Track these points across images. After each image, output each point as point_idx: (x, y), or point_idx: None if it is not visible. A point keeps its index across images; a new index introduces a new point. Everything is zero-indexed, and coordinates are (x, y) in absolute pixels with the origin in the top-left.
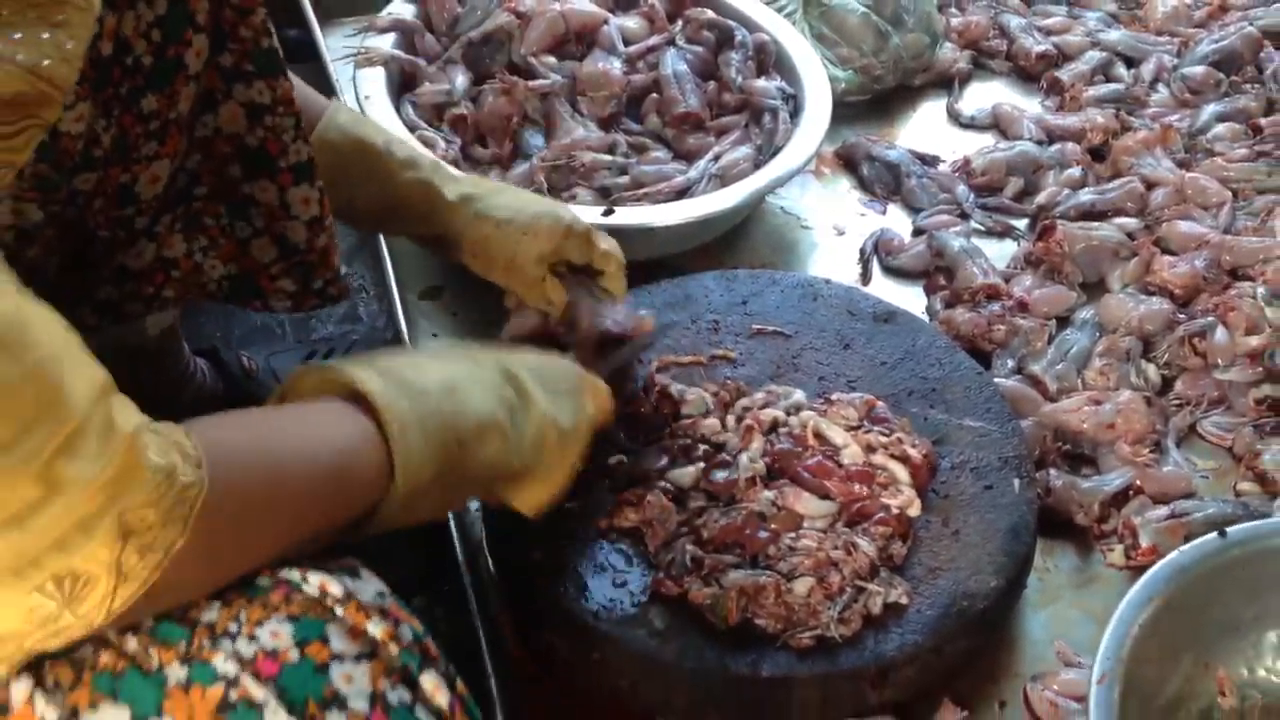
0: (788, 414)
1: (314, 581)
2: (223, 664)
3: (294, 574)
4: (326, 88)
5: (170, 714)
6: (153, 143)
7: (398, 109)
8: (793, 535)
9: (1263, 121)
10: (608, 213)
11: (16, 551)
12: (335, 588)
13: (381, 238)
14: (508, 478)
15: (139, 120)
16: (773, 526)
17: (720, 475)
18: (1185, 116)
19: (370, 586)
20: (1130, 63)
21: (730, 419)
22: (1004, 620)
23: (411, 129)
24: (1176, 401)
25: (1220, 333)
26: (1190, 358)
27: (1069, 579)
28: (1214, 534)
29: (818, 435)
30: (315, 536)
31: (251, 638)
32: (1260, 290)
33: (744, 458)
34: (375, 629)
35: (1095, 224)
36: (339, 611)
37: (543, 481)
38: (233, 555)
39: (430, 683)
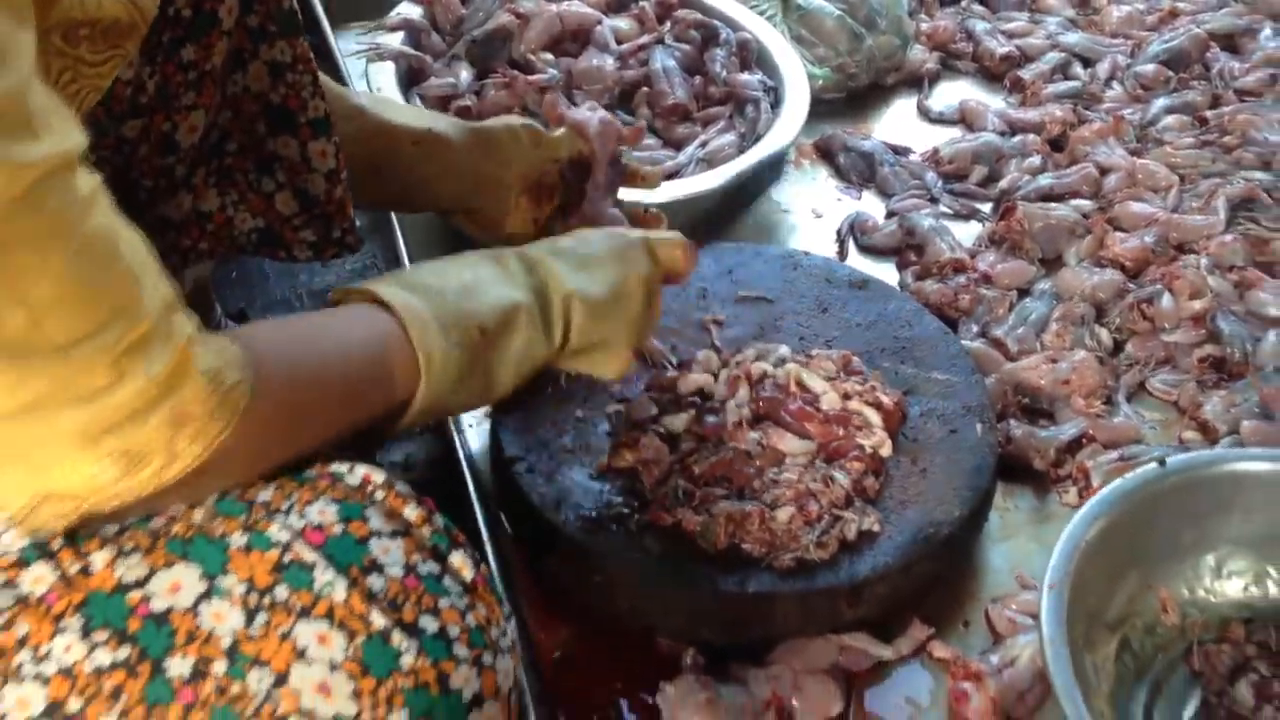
0: (774, 366)
1: (358, 472)
2: (277, 533)
3: (340, 466)
4: (340, 84)
5: (234, 572)
6: (191, 93)
7: (406, 101)
8: (775, 470)
9: (1208, 114)
10: None
11: (85, 425)
12: (377, 476)
13: (394, 218)
14: (558, 356)
15: (179, 70)
16: (757, 463)
17: (710, 420)
18: (1137, 110)
19: (406, 484)
20: (1087, 63)
21: (723, 374)
22: (967, 548)
23: None
24: (1127, 362)
25: (1166, 299)
26: (1139, 322)
27: (1028, 517)
28: (1154, 463)
29: (799, 384)
30: (355, 427)
31: (301, 514)
32: (1203, 261)
33: (731, 404)
34: (410, 513)
35: (1053, 205)
36: (378, 496)
37: (603, 350)
38: (276, 444)
39: (458, 560)
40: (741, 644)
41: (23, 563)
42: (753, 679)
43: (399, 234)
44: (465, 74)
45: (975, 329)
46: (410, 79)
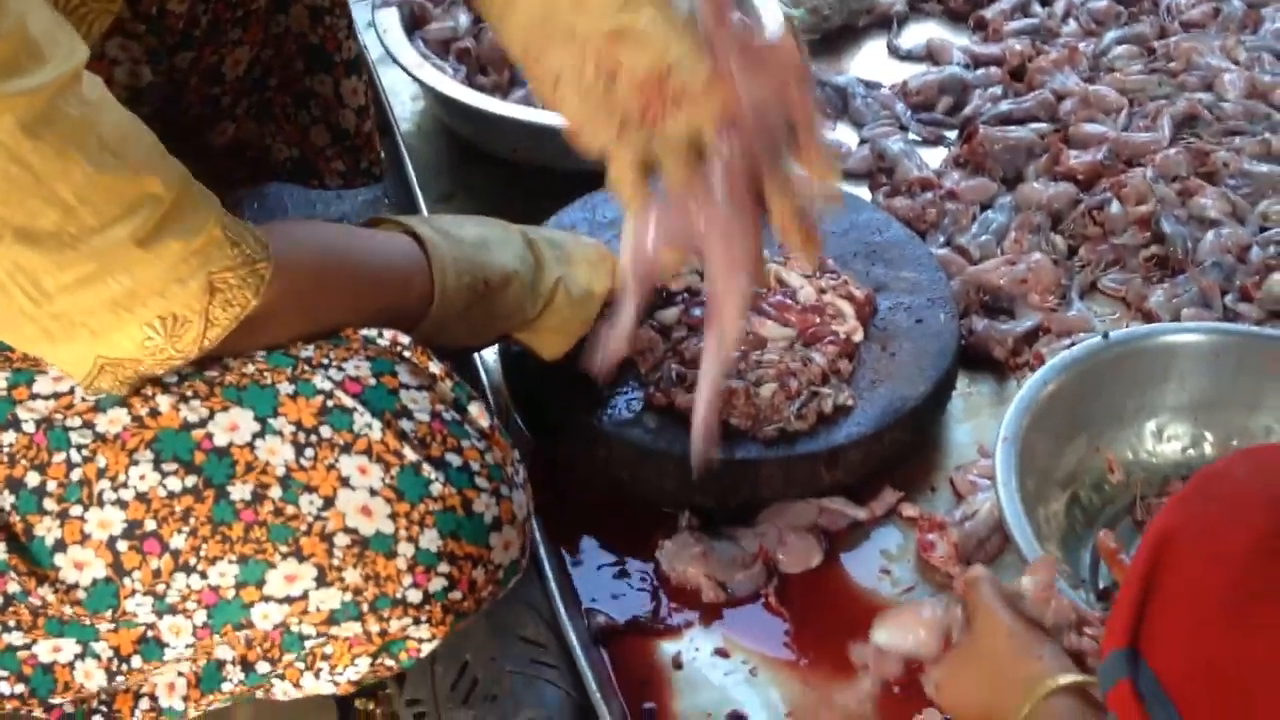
0: None
1: (387, 335)
2: (320, 382)
3: (370, 331)
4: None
5: (284, 414)
6: (238, 30)
7: (410, 42)
8: (759, 354)
9: (1155, 44)
10: None
11: (129, 294)
12: (404, 339)
13: (403, 147)
14: (527, 325)
15: (228, 8)
16: (742, 348)
17: (698, 311)
18: (1090, 42)
19: None
20: (1045, 2)
21: None
22: (933, 422)
23: (424, 59)
24: (1080, 264)
25: (1115, 205)
26: (1090, 227)
27: (988, 400)
28: (1099, 336)
29: (779, 280)
30: (370, 321)
31: (340, 368)
32: (1149, 172)
33: None
34: (434, 369)
35: (1013, 128)
36: (406, 354)
37: (558, 333)
38: (300, 316)
39: (475, 409)
40: (731, 508)
41: (99, 408)
42: (742, 536)
43: (410, 170)
44: (464, 17)
45: (941, 239)
46: (414, 23)
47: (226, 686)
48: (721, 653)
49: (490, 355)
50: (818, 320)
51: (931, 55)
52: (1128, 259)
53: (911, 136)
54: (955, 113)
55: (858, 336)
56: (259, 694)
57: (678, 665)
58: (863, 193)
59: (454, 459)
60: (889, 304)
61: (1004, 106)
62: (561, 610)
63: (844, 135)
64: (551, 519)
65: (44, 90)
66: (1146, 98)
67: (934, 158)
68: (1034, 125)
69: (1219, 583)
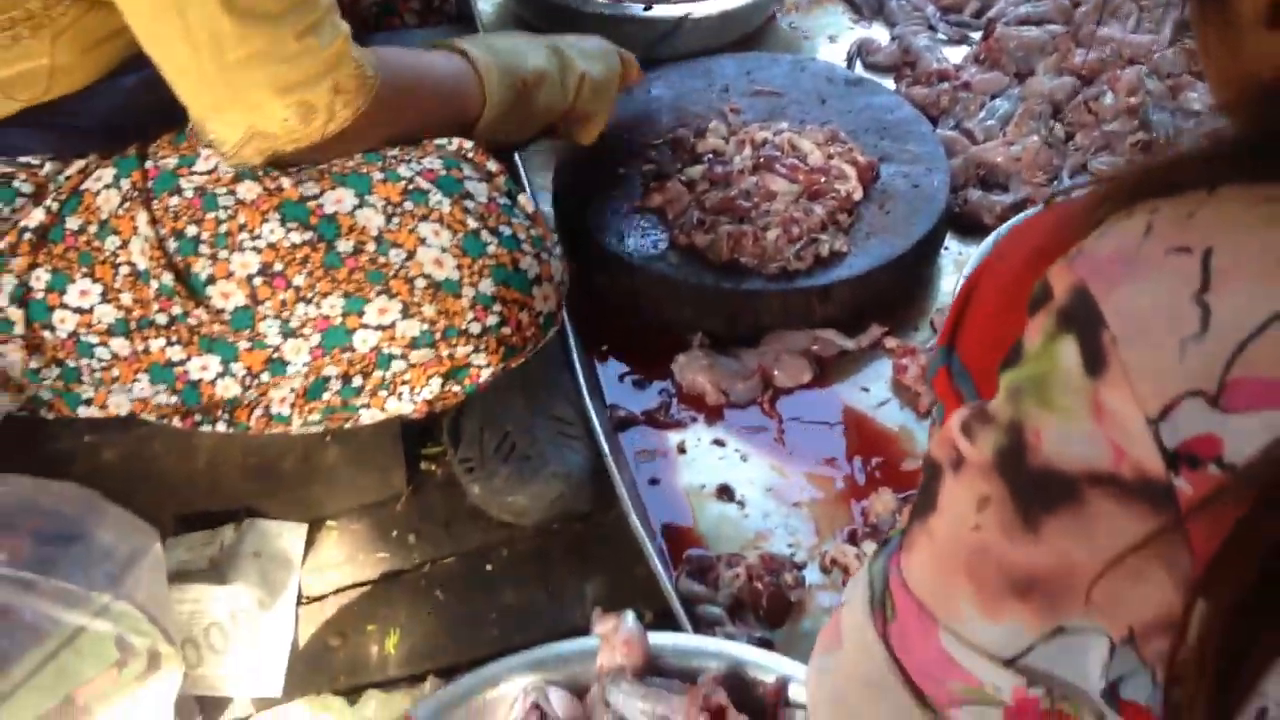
0: (774, 135)
1: (454, 142)
2: (404, 172)
3: (440, 139)
4: None
5: (376, 193)
6: None
7: None
8: (768, 205)
9: None
10: (647, 8)
11: (283, 78)
12: (468, 144)
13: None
14: (563, 117)
15: None
16: (754, 199)
17: (720, 169)
18: None
19: None
20: None
21: (732, 140)
22: (920, 271)
23: None
24: (1075, 148)
25: (1109, 96)
26: (1086, 116)
27: (971, 267)
28: (1061, 196)
29: (792, 145)
30: (440, 128)
31: (418, 163)
32: (1142, 68)
33: (737, 158)
34: (491, 166)
35: (1029, 28)
36: (469, 155)
37: (590, 120)
38: (389, 123)
39: (523, 199)
40: (736, 336)
41: (238, 179)
42: (745, 355)
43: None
44: None
45: (951, 123)
46: None
47: (326, 396)
48: (719, 442)
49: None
50: (822, 179)
51: None
52: (1116, 144)
53: (939, 35)
54: (981, 16)
55: (857, 195)
56: (347, 425)
57: (681, 450)
58: (887, 83)
59: (506, 230)
60: (890, 171)
61: (1024, 9)
62: (587, 396)
63: (877, 33)
64: (584, 334)
65: None
66: (1154, 4)
67: (956, 55)
68: (1049, 26)
69: (998, 293)
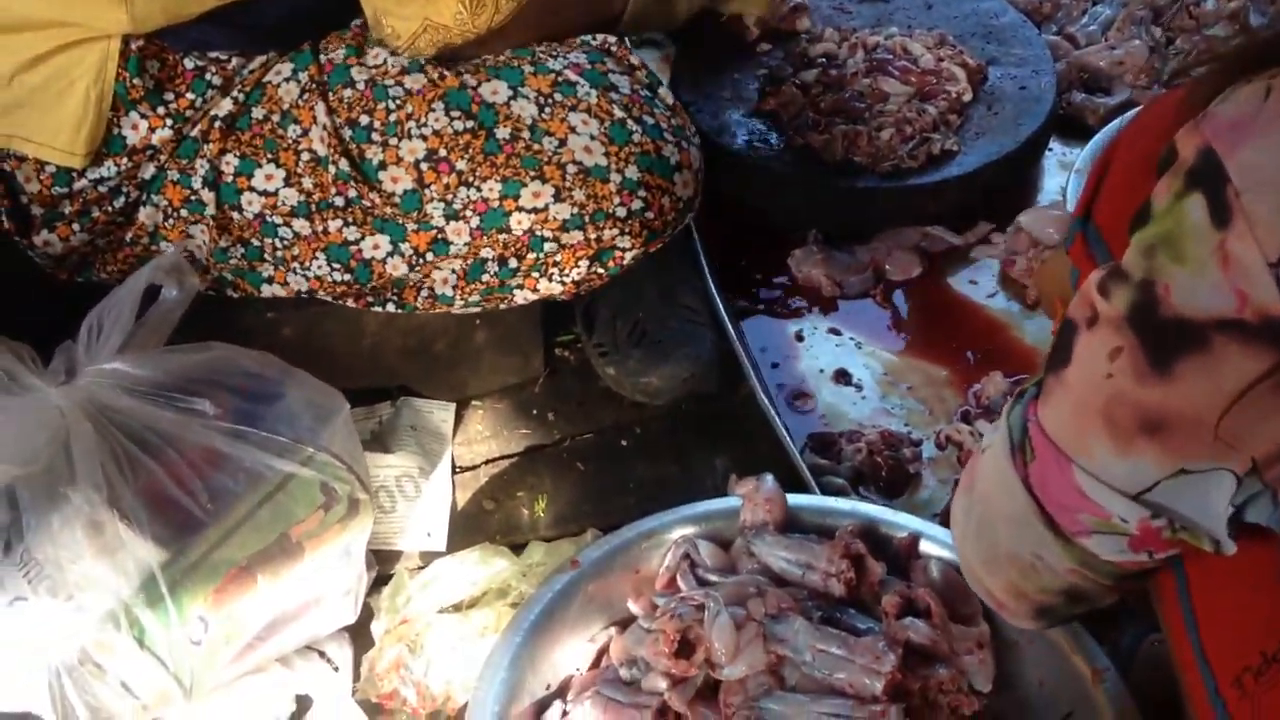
0: (885, 39)
1: (598, 39)
2: (553, 64)
3: (585, 36)
4: None
5: (529, 84)
6: None
7: None
8: (881, 106)
9: None
10: None
11: None
12: (611, 39)
13: None
14: None
15: None
16: (867, 100)
17: (834, 72)
18: None
19: None
20: None
21: (845, 45)
22: (1026, 170)
23: None
24: (1176, 52)
25: (1211, 1)
26: (1187, 21)
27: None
28: None
29: (903, 49)
30: (588, 26)
31: (565, 58)
32: None
33: (850, 61)
34: (634, 59)
35: None
36: (613, 50)
37: None
38: (539, 24)
39: (663, 91)
40: (849, 233)
41: (405, 71)
42: (858, 250)
43: None
44: None
45: (1054, 29)
46: None
47: (485, 277)
48: (834, 331)
49: None
50: (934, 81)
51: None
52: (1217, 49)
53: None
54: None
55: (967, 96)
56: (502, 306)
57: (799, 338)
58: None
59: (649, 119)
60: (999, 74)
61: None
62: (713, 286)
63: None
64: (707, 232)
65: None
66: None
67: None
68: None
69: (1132, 163)
